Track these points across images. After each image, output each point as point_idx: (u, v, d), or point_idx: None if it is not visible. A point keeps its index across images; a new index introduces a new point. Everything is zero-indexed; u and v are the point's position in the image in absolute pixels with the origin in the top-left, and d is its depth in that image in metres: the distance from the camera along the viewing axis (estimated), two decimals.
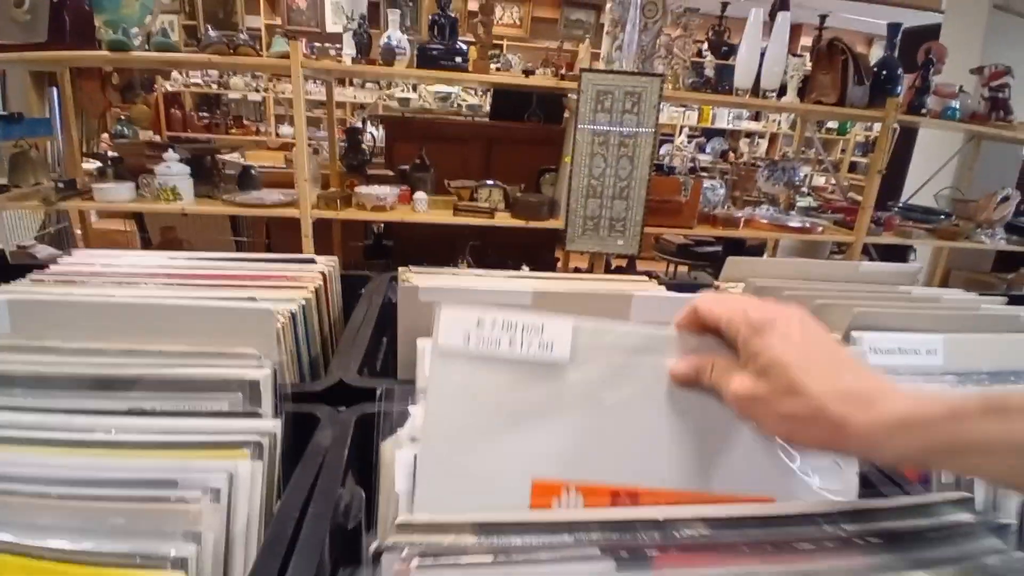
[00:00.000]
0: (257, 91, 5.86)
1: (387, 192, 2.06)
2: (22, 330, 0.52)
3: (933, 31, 3.28)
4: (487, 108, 3.26)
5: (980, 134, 2.61)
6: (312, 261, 0.74)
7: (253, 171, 2.26)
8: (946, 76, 2.51)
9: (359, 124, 2.47)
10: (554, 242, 2.61)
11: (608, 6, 2.28)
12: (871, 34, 6.43)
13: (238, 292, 0.60)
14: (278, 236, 2.72)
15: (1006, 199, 2.54)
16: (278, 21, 6.05)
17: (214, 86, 5.65)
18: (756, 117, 6.71)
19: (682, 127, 7.03)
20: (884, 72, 2.25)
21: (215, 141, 4.32)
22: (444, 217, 2.10)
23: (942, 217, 2.54)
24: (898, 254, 2.77)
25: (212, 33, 1.89)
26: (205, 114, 5.50)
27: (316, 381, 0.55)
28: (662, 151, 6.73)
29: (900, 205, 2.73)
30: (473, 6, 6.58)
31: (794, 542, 0.32)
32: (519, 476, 0.36)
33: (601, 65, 2.27)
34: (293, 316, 0.57)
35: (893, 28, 2.39)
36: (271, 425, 0.43)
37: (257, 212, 2.06)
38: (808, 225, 2.25)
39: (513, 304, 0.54)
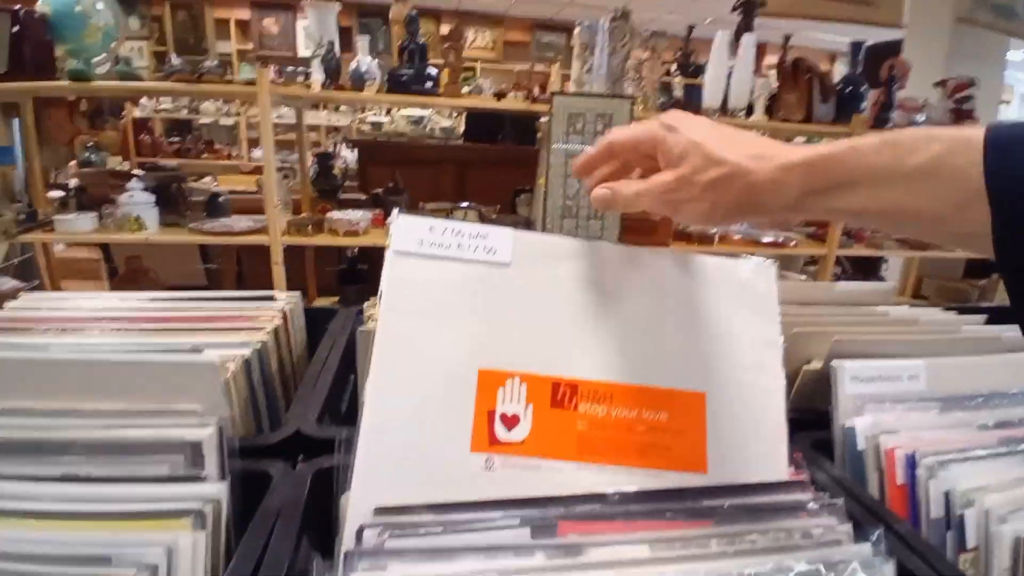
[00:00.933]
0: (228, 115, 5.80)
1: (360, 216, 2.03)
2: None
3: (896, 47, 3.38)
4: (461, 130, 3.27)
5: None
6: (271, 299, 0.70)
7: (221, 198, 2.21)
8: (910, 90, 2.58)
9: (331, 149, 2.44)
10: None
11: (576, 30, 2.30)
12: (835, 51, 6.63)
13: (188, 338, 0.57)
14: (249, 263, 2.66)
15: None
16: (250, 46, 6.03)
17: (184, 111, 5.58)
18: None
19: None
20: (849, 89, 2.31)
21: (185, 167, 4.25)
22: None
23: None
24: (870, 265, 2.81)
25: (175, 60, 1.85)
26: (176, 139, 5.42)
27: (270, 433, 0.51)
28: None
29: None
30: (445, 30, 6.65)
31: (664, 511, 0.38)
32: (466, 366, 0.41)
33: (572, 87, 2.28)
34: (247, 363, 0.54)
35: (856, 46, 2.45)
36: (215, 490, 0.39)
37: (225, 240, 2.01)
38: (781, 240, 2.28)
39: None
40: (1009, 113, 6.77)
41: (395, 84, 2.00)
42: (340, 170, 2.44)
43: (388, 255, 0.42)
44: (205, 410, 0.43)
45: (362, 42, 2.21)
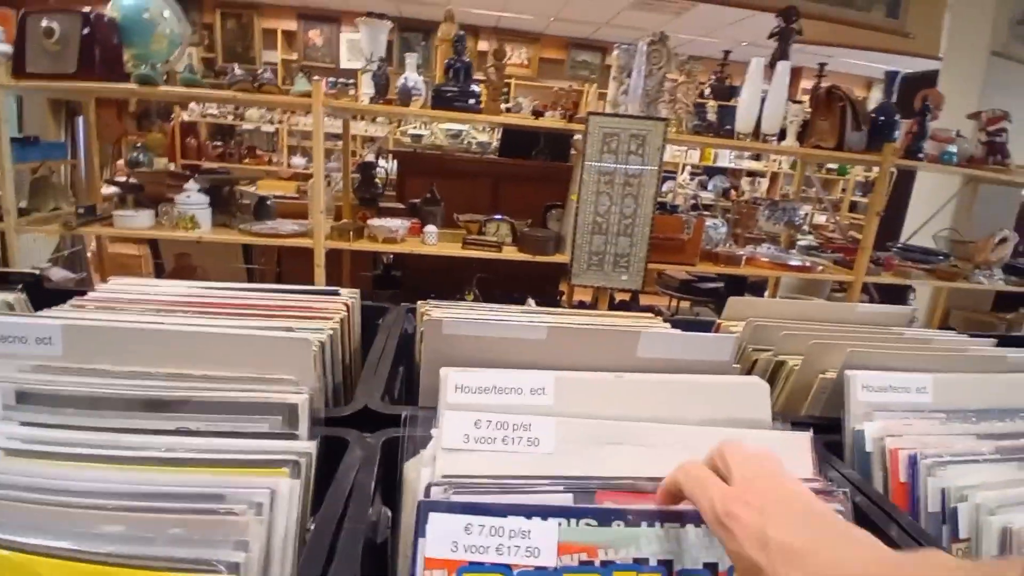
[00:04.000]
0: (271, 123, 6.02)
1: (398, 224, 2.12)
2: (73, 353, 0.56)
3: (931, 77, 3.39)
4: (496, 145, 3.37)
5: (977, 177, 2.68)
6: (336, 293, 0.78)
7: (268, 201, 2.33)
8: (944, 121, 2.59)
9: (371, 158, 2.55)
10: (559, 275, 2.66)
11: (615, 53, 2.38)
12: (871, 78, 6.61)
13: (273, 322, 0.65)
14: (289, 264, 2.78)
15: (1004, 240, 2.59)
16: (295, 56, 6.27)
17: (230, 117, 5.81)
18: (757, 157, 6.84)
19: (685, 165, 7.16)
20: (882, 118, 2.34)
21: (231, 171, 4.43)
22: (453, 250, 2.15)
23: (940, 258, 2.59)
24: (897, 293, 2.81)
25: (238, 71, 1.98)
26: (219, 143, 5.65)
27: (344, 407, 0.59)
28: (665, 188, 6.86)
29: (899, 245, 2.78)
30: (484, 47, 6.81)
31: None
32: None
33: (607, 107, 2.36)
34: (322, 345, 0.61)
35: (891, 75, 2.49)
36: (307, 446, 0.47)
37: (272, 242, 2.12)
38: (808, 264, 2.30)
39: (529, 338, 0.58)
40: None
41: (440, 100, 2.10)
42: (380, 179, 2.55)
43: (437, 451, 0.46)
44: (299, 380, 0.50)
45: (410, 59, 2.32)
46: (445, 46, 2.21)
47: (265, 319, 0.67)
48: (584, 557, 0.41)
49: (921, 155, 2.33)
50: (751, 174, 7.19)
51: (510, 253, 2.19)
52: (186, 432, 0.49)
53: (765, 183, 7.10)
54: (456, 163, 2.88)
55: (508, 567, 0.40)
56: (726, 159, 7.09)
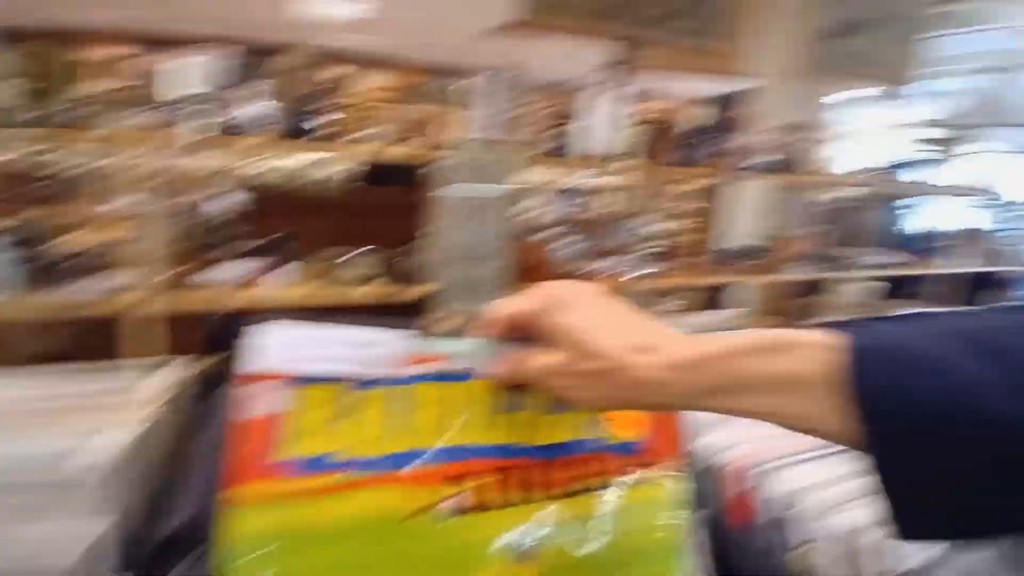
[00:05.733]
0: (86, 162, 5.33)
1: (245, 271, 1.96)
2: None
3: (748, 95, 3.86)
4: (360, 174, 3.25)
5: (789, 182, 3.07)
6: (163, 366, 0.68)
7: (81, 257, 2.03)
8: (759, 135, 2.96)
9: (213, 198, 2.33)
10: (430, 306, 2.61)
11: (473, 80, 2.42)
12: (697, 98, 7.37)
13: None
14: (113, 329, 2.43)
15: (806, 236, 3.02)
16: (118, 86, 5.64)
17: (39, 157, 5.06)
18: (610, 174, 7.31)
19: (543, 185, 7.48)
20: (706, 135, 2.61)
21: (36, 219, 3.83)
22: (313, 290, 2.03)
23: (757, 256, 2.94)
24: (723, 292, 3.14)
25: (55, 106, 1.72)
26: (27, 188, 4.89)
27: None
28: (525, 208, 7.09)
29: (722, 249, 3.12)
30: (341, 73, 6.62)
31: None
32: None
33: (466, 134, 2.39)
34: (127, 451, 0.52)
35: (712, 96, 2.80)
36: None
37: (84, 309, 1.84)
38: (646, 272, 2.50)
39: None
40: (848, 148, 7.83)
41: (289, 130, 1.98)
42: (225, 220, 2.35)
43: None
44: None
45: (253, 87, 2.17)
46: (294, 73, 2.10)
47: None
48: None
49: (741, 167, 2.63)
50: (605, 191, 7.68)
51: (377, 287, 2.11)
52: None
53: (619, 198, 7.60)
54: (313, 196, 2.73)
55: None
56: (583, 177, 7.50)
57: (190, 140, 2.04)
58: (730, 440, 0.58)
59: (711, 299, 3.08)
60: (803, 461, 0.57)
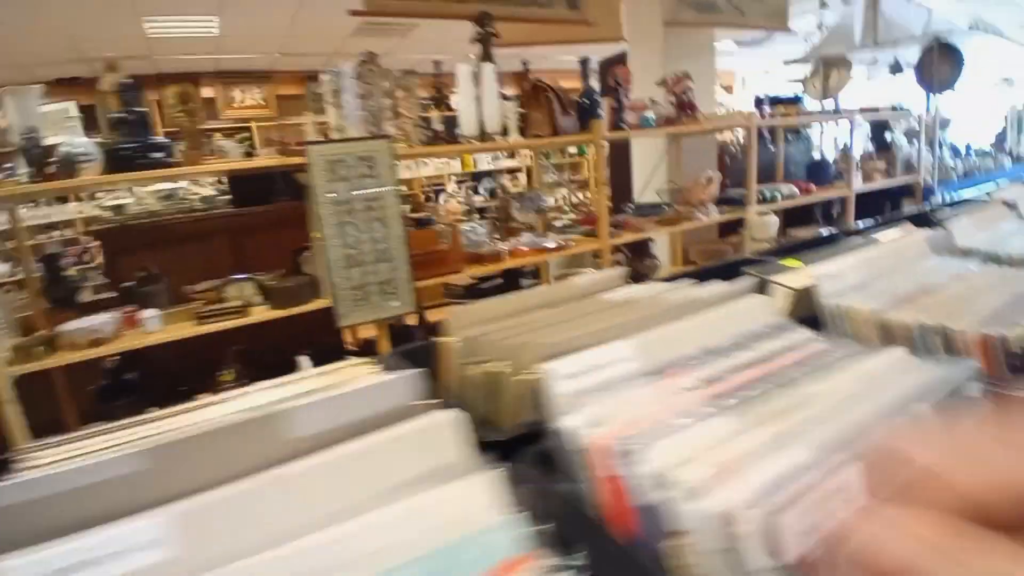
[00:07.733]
0: None
1: (105, 320, 1.73)
2: None
3: (623, 57, 3.87)
4: (225, 197, 3.00)
5: (677, 133, 3.09)
6: None
7: None
8: (638, 92, 2.95)
9: (57, 249, 2.05)
10: (332, 322, 2.44)
11: (325, 78, 2.25)
12: (574, 69, 7.43)
13: None
14: None
15: (710, 180, 3.04)
16: None
17: None
18: (512, 155, 7.27)
19: (451, 175, 7.35)
20: (586, 101, 2.57)
21: None
22: (187, 330, 1.82)
23: (666, 207, 2.95)
24: (643, 247, 3.15)
25: None
26: None
27: None
28: (440, 200, 6.95)
29: (632, 206, 3.11)
30: (209, 93, 6.15)
31: None
32: None
33: (334, 134, 2.22)
34: None
35: (583, 62, 2.75)
36: None
37: None
38: (563, 243, 2.44)
39: (123, 474, 0.42)
40: (735, 96, 8.17)
41: (117, 161, 1.76)
42: (77, 269, 2.08)
43: None
44: None
45: (71, 122, 1.93)
46: (111, 99, 1.86)
47: None
48: None
49: (624, 125, 2.61)
50: (511, 171, 7.64)
51: (261, 314, 1.93)
52: None
53: (524, 177, 7.59)
54: (177, 227, 2.47)
55: None
56: (485, 162, 7.43)
57: (24, 189, 1.77)
58: (599, 414, 0.50)
59: (635, 257, 3.08)
60: (679, 429, 0.49)
